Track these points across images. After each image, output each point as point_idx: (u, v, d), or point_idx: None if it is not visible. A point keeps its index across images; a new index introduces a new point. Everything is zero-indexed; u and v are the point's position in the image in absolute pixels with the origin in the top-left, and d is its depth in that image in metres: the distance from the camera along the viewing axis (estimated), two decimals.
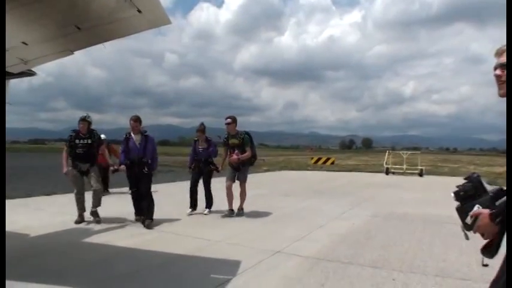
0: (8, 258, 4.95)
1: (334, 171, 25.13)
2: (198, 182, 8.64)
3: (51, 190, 12.02)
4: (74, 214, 7.29)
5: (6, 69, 4.78)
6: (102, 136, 10.33)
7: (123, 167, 7.49)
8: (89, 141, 7.34)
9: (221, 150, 8.77)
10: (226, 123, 8.17)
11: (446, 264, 4.89)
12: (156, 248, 5.58)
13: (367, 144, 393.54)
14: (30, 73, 5.36)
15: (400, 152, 27.53)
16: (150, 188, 7.41)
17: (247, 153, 8.11)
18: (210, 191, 8.68)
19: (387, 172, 22.43)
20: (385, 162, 23.61)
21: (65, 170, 7.36)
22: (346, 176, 21.58)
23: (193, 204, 8.52)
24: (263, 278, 4.36)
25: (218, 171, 8.81)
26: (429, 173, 22.97)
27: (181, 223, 7.47)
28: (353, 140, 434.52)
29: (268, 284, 4.21)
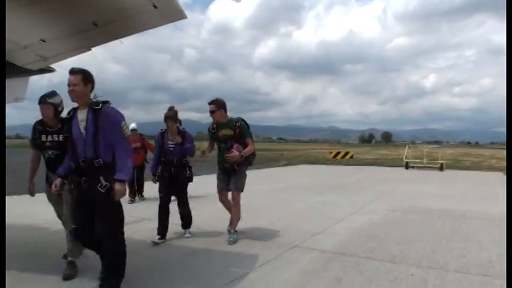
0: (26, 251, 5.11)
1: (353, 165, 24.98)
2: (171, 195, 5.97)
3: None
4: None
5: (26, 66, 4.87)
6: (133, 126, 9.44)
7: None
8: (61, 138, 4.29)
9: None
10: (210, 112, 5.67)
11: (466, 259, 4.82)
12: (173, 242, 5.63)
13: (387, 138, 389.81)
14: (49, 70, 5.43)
15: (420, 145, 27.18)
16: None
17: (250, 147, 5.67)
18: (187, 206, 6.09)
19: (407, 166, 22.18)
20: (404, 156, 23.34)
21: (30, 186, 4.84)
22: (365, 170, 21.42)
23: (163, 230, 5.71)
24: (280, 272, 4.36)
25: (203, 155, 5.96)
26: (450, 167, 22.64)
27: (199, 217, 7.48)
28: (372, 134, 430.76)
29: (285, 278, 4.20)
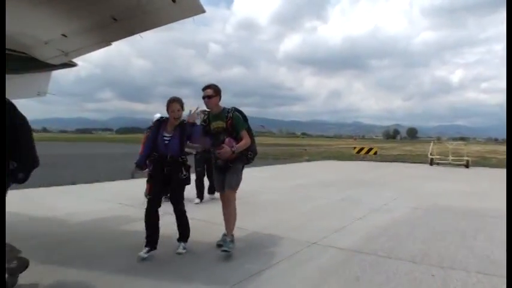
0: (47, 244, 5.19)
1: (376, 161, 24.70)
2: (161, 199, 4.93)
3: (95, 178, 12.39)
4: (115, 201, 7.45)
5: (48, 61, 4.92)
6: (157, 116, 9.12)
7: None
8: None
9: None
10: (205, 97, 4.94)
11: (490, 260, 4.69)
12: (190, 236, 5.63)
13: (412, 134, 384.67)
14: (71, 64, 5.48)
15: (446, 142, 26.64)
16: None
17: (245, 141, 4.98)
18: (184, 214, 5.05)
19: (432, 163, 21.78)
20: (429, 152, 22.94)
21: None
22: (389, 166, 21.12)
23: (152, 240, 4.71)
24: (297, 270, 4.32)
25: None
26: (476, 164, 22.15)
27: (212, 210, 7.43)
28: (397, 130, 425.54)
29: (302, 275, 4.16)
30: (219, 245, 4.97)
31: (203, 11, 3.80)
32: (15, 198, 8.56)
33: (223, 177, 5.11)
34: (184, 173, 4.86)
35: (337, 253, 4.95)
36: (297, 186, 11.67)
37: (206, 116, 5.20)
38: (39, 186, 10.35)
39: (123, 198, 8.17)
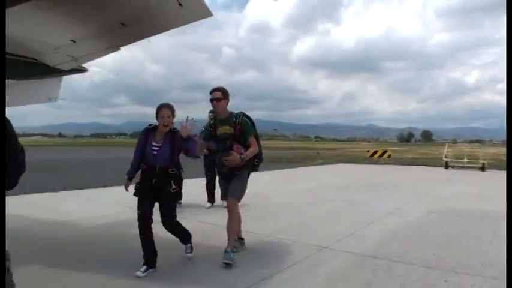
0: (55, 248, 5.21)
1: (390, 164, 24.48)
2: (152, 213, 4.38)
3: (106, 182, 12.46)
4: (125, 204, 7.44)
5: (58, 67, 4.95)
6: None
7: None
8: None
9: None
10: (213, 99, 4.71)
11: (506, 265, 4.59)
12: (198, 240, 5.58)
13: (427, 137, 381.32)
14: (81, 69, 5.51)
15: (461, 144, 26.30)
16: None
17: (254, 148, 4.76)
18: (176, 226, 4.64)
19: (447, 166, 21.51)
20: (444, 155, 22.67)
21: None
22: (403, 169, 20.91)
23: (149, 257, 4.34)
24: (309, 274, 4.27)
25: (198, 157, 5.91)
26: (492, 167, 21.80)
27: (223, 214, 7.40)
28: (412, 133, 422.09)
29: (313, 280, 4.11)
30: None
31: (210, 15, 3.79)
32: (25, 202, 8.67)
33: (228, 184, 4.90)
34: (174, 186, 4.36)
35: (349, 258, 4.88)
36: (309, 190, 11.60)
37: (212, 121, 4.92)
38: (51, 190, 10.46)
39: (134, 201, 8.12)
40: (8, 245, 1.89)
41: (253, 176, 5.09)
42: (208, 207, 8.30)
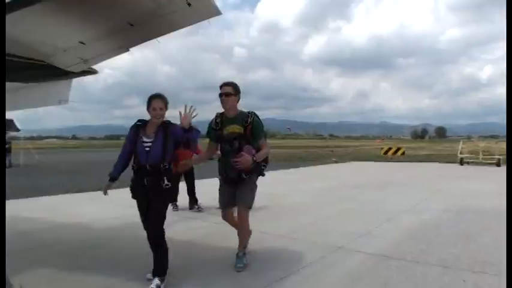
0: (70, 250, 5.20)
1: (405, 161, 24.25)
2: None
3: (119, 184, 12.49)
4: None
5: (68, 69, 4.94)
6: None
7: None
8: None
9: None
10: (222, 94, 4.32)
11: None
12: (213, 242, 5.55)
13: (441, 133, 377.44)
14: (92, 71, 5.50)
15: (476, 140, 25.95)
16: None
17: (266, 150, 4.40)
18: (163, 244, 3.97)
19: (461, 162, 21.20)
20: (459, 152, 22.35)
21: None
22: (418, 166, 20.66)
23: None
24: (323, 275, 4.21)
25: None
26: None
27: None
28: (426, 129, 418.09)
29: (328, 281, 4.05)
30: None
31: (219, 13, 3.73)
32: (39, 205, 8.72)
33: (233, 191, 4.43)
34: (166, 182, 3.87)
35: (364, 258, 4.79)
36: (323, 188, 11.51)
37: (218, 118, 4.44)
38: (65, 192, 10.52)
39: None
40: (20, 247, 1.86)
41: (266, 176, 4.99)
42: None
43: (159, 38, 4.25)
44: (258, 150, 4.32)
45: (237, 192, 4.41)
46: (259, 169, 4.53)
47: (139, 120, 4.09)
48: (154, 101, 3.93)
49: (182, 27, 4.05)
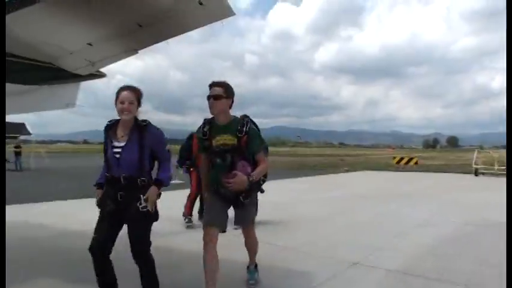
0: (76, 258, 4.98)
1: (417, 171, 23.85)
2: (112, 241, 3.26)
3: None
4: None
5: (75, 71, 4.78)
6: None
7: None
8: None
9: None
10: (210, 96, 3.51)
11: None
12: (220, 253, 5.28)
13: (453, 143, 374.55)
14: (99, 75, 5.33)
15: (490, 150, 25.47)
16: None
17: (264, 165, 3.59)
18: (150, 265, 3.30)
19: (476, 173, 20.76)
20: (473, 162, 21.86)
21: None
22: (431, 177, 20.28)
23: None
24: None
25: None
26: None
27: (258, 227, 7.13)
28: (437, 139, 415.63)
29: None
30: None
31: (233, 14, 3.52)
32: (49, 210, 8.55)
33: (224, 206, 3.65)
34: (143, 203, 3.11)
35: (383, 275, 4.51)
36: (335, 199, 11.23)
37: (207, 126, 3.62)
38: (73, 198, 10.37)
39: (165, 209, 7.85)
40: (30, 254, 1.66)
41: (275, 185, 4.70)
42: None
43: (169, 40, 4.07)
44: (254, 164, 3.56)
45: (237, 214, 3.73)
46: (257, 186, 3.71)
47: (110, 121, 3.36)
48: (122, 93, 3.17)
49: (193, 28, 3.86)
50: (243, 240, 4.00)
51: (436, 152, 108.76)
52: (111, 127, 3.29)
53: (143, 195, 3.11)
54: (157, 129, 3.29)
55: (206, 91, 3.54)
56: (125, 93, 3.15)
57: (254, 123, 3.69)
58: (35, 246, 5.60)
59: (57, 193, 11.46)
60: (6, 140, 29.40)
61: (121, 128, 3.23)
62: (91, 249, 3.18)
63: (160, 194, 3.25)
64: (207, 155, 3.70)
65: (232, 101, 3.60)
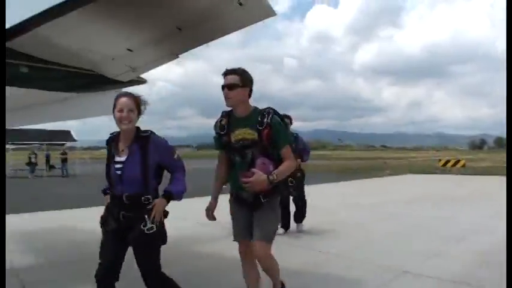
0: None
1: (465, 174, 22.97)
2: (119, 264, 2.91)
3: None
4: (193, 219, 7.14)
5: (117, 78, 4.78)
6: None
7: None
8: None
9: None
10: (224, 86, 3.08)
11: None
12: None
13: (501, 144, 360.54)
14: (140, 81, 5.32)
15: None
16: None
17: (290, 163, 3.07)
18: (165, 280, 2.96)
19: None
20: None
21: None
22: (480, 180, 19.43)
23: None
24: None
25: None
26: None
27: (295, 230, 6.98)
28: (484, 140, 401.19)
29: None
30: None
31: (274, 14, 3.40)
32: (88, 215, 8.67)
33: (248, 216, 3.20)
34: (149, 224, 2.77)
35: (436, 284, 4.25)
36: (379, 204, 10.88)
37: (225, 119, 3.23)
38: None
39: (203, 216, 7.72)
40: (79, 257, 1.57)
41: (318, 189, 4.48)
42: (281, 234, 6.50)
43: (210, 43, 3.99)
44: (279, 161, 3.07)
45: (255, 220, 3.16)
46: (283, 188, 3.16)
47: (112, 133, 3.02)
48: (120, 100, 2.84)
49: (234, 30, 3.76)
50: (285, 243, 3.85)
51: (484, 154, 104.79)
52: (114, 139, 2.97)
53: (148, 216, 2.77)
54: (161, 138, 3.00)
55: None
56: (123, 99, 2.83)
57: (279, 115, 3.17)
58: (84, 249, 5.63)
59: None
60: (54, 147, 30.43)
61: (122, 140, 2.91)
62: (96, 276, 2.85)
63: (167, 212, 2.92)
64: (226, 152, 3.28)
65: (251, 90, 3.17)
